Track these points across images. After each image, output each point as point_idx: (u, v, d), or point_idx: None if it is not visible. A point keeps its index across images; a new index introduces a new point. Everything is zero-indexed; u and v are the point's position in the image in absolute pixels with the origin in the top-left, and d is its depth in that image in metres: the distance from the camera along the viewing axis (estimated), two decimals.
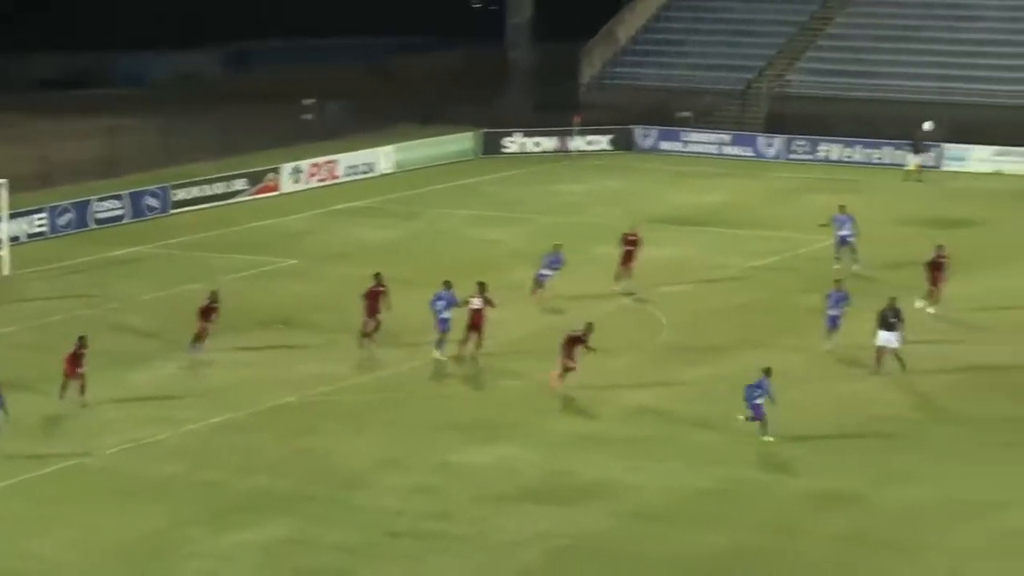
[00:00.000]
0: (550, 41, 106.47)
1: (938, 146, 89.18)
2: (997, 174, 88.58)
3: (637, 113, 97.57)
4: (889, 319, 52.67)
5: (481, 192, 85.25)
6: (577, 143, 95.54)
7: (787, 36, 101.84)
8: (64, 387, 48.52)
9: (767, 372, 46.76)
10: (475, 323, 53.87)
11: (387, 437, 47.04)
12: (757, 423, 46.46)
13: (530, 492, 42.88)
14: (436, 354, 53.93)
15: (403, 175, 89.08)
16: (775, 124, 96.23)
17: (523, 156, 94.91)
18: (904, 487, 43.25)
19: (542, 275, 60.93)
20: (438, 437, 47.03)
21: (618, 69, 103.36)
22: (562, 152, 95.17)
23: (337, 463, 44.86)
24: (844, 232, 66.48)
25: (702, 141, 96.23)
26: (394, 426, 48.03)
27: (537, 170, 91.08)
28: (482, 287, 54.18)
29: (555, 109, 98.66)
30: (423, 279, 59.28)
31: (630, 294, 62.44)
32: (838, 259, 66.12)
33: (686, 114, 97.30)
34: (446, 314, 54.04)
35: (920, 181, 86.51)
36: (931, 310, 58.83)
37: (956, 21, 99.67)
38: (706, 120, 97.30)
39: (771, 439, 46.15)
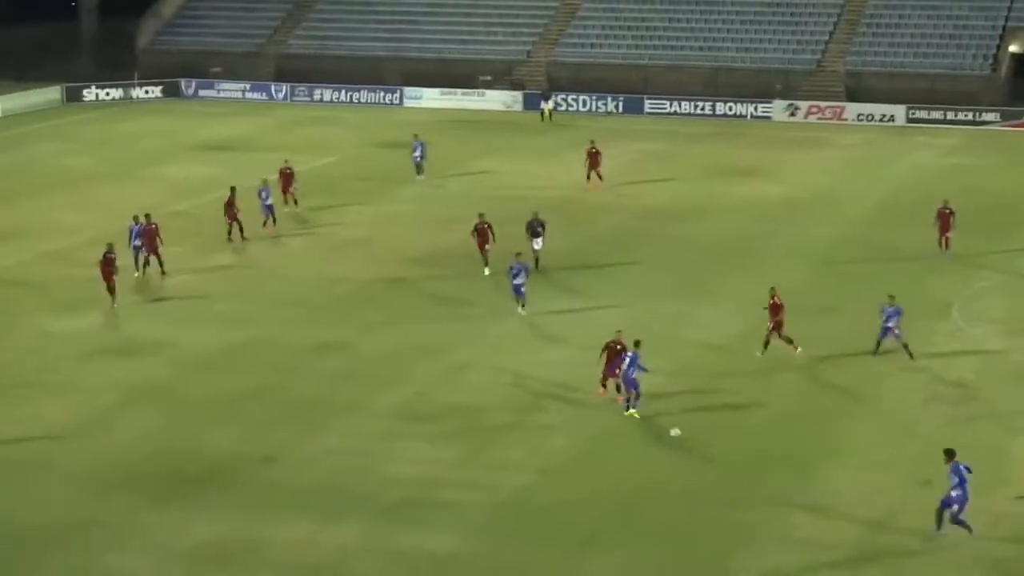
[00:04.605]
0: (112, 17, 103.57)
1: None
2: (441, 109, 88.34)
3: (181, 69, 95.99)
4: (536, 228, 48.42)
5: (64, 131, 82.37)
6: (138, 92, 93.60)
7: (285, 11, 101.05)
8: None
9: (637, 344, 35.97)
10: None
11: None
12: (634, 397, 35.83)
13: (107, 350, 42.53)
14: None
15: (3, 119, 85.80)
16: (281, 75, 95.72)
17: (97, 103, 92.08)
18: (378, 337, 43.53)
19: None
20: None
21: (164, 37, 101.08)
22: (127, 100, 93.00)
23: None
24: (416, 154, 65.35)
25: (230, 89, 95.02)
26: None
27: (108, 113, 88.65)
28: None
29: (120, 68, 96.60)
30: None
31: None
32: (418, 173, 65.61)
33: (217, 69, 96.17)
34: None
35: (551, 121, 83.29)
36: None
37: None
38: (232, 73, 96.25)
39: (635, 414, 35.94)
